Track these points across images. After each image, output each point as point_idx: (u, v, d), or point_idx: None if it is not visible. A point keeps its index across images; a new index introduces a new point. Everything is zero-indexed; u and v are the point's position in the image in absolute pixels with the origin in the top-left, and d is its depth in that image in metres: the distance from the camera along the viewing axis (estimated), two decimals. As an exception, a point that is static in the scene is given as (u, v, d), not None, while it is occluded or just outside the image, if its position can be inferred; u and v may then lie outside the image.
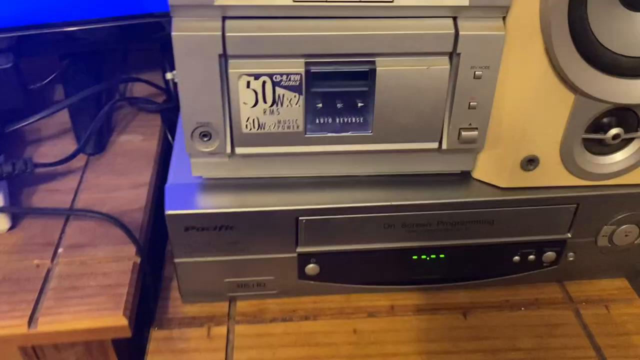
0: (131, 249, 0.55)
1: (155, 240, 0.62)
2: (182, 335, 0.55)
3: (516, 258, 0.57)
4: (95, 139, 0.67)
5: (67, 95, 0.70)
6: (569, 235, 0.56)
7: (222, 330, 0.56)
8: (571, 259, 0.58)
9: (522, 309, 0.59)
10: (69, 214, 0.59)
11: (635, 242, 0.58)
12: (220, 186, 0.52)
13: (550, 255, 0.57)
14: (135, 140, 0.70)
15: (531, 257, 0.57)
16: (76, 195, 0.62)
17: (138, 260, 0.54)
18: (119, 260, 0.54)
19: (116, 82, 0.73)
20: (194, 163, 0.51)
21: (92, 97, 0.69)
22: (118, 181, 0.64)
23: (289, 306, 0.58)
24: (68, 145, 0.68)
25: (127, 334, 0.50)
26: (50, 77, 0.70)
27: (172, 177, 0.54)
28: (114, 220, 0.55)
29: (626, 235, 0.57)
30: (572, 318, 0.58)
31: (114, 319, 0.49)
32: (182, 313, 0.57)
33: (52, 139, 0.69)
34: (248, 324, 0.57)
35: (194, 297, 0.57)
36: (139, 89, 0.78)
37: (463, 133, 0.49)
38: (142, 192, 0.61)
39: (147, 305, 0.58)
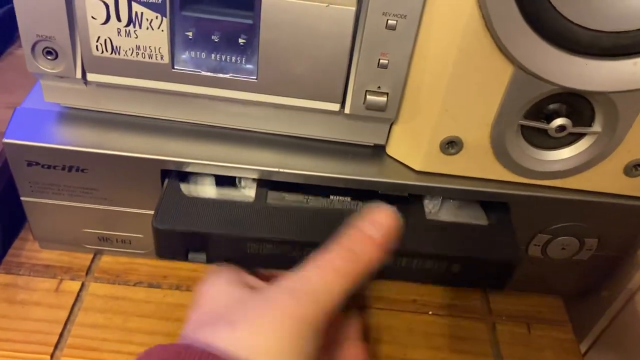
0: (-23, 178, 0.47)
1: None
2: (26, 284, 0.48)
3: (429, 255, 0.48)
4: (-14, 45, 0.59)
5: (-37, -9, 0.61)
6: (494, 238, 0.48)
7: (75, 285, 0.48)
8: (495, 265, 0.49)
9: (430, 312, 0.50)
10: None
11: (573, 257, 0.49)
12: (80, 118, 0.43)
13: (470, 257, 0.49)
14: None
15: (447, 256, 0.48)
16: (-57, 106, 0.53)
17: (-18, 191, 0.47)
18: (-41, 188, 0.47)
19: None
20: (45, 86, 0.42)
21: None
22: (-4, 97, 0.55)
23: (161, 270, 0.50)
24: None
25: (-60, 276, 0.42)
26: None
27: (30, 100, 0.45)
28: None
29: (563, 249, 0.48)
30: (484, 333, 0.50)
31: None
32: (37, 259, 0.50)
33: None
34: (107, 283, 0.49)
35: (51, 243, 0.50)
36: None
37: (369, 97, 0.39)
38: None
39: (8, 243, 0.51)
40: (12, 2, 0.60)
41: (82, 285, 0.48)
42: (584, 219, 0.46)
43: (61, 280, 0.48)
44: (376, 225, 0.34)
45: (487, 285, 0.49)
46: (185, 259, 0.42)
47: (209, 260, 0.42)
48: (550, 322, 0.51)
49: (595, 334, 0.55)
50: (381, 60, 0.38)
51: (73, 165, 0.42)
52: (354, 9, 0.36)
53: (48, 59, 0.39)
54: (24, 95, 0.55)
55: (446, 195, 0.44)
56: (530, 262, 0.49)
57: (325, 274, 0.33)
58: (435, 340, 0.48)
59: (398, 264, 0.42)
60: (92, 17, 0.36)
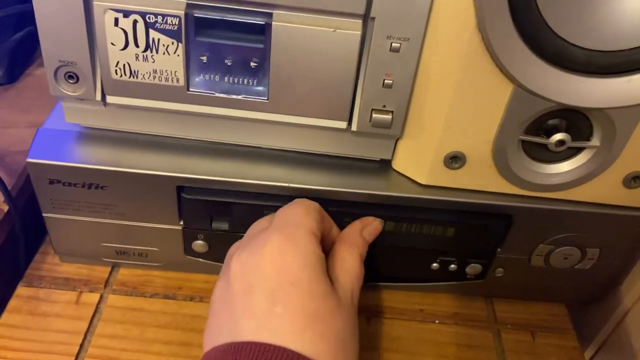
0: (1, 196, 0.49)
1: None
2: (48, 296, 0.50)
3: (435, 265, 0.50)
4: (6, 67, 0.61)
5: (-17, 15, 0.63)
6: (498, 249, 0.49)
7: (94, 297, 0.50)
8: (500, 275, 0.51)
9: (437, 321, 0.52)
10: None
11: (576, 267, 0.50)
12: (99, 138, 0.45)
13: (475, 267, 0.50)
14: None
15: (452, 266, 0.50)
16: (-34, 126, 0.56)
17: (5, 208, 0.49)
18: (-15, 206, 0.49)
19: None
20: (66, 108, 0.44)
21: (11, 21, 0.62)
22: (17, 117, 0.57)
23: (176, 282, 0.52)
24: (-22, 70, 0.61)
25: (-32, 290, 0.44)
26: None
27: (51, 121, 0.47)
28: (-22, 161, 0.49)
29: (565, 258, 0.49)
30: (490, 341, 0.51)
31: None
32: (58, 272, 0.52)
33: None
34: (125, 295, 0.51)
35: (71, 257, 0.52)
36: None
37: (375, 115, 0.41)
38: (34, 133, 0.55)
39: (30, 257, 0.53)
40: (31, 25, 0.62)
41: (101, 297, 0.50)
42: (585, 230, 0.47)
43: (81, 292, 0.50)
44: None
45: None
46: (209, 227, 0.47)
47: (231, 228, 0.47)
48: (554, 330, 0.53)
49: (600, 341, 0.56)
50: (386, 81, 0.40)
51: (93, 183, 0.44)
52: (359, 33, 0.38)
53: (69, 82, 0.41)
54: (43, 115, 0.57)
55: (450, 207, 0.46)
56: (533, 271, 0.50)
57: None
58: (442, 349, 0.50)
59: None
60: (112, 44, 0.39)
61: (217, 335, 0.37)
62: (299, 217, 0.40)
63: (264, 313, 0.35)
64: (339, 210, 0.45)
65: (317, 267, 0.38)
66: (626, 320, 0.53)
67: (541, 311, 0.54)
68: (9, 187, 0.49)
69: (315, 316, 0.36)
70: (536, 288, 0.53)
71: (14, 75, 0.62)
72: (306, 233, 0.39)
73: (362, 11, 0.37)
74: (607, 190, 0.45)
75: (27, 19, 0.63)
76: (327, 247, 0.43)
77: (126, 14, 0.37)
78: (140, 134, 0.46)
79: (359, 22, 0.38)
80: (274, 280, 0.36)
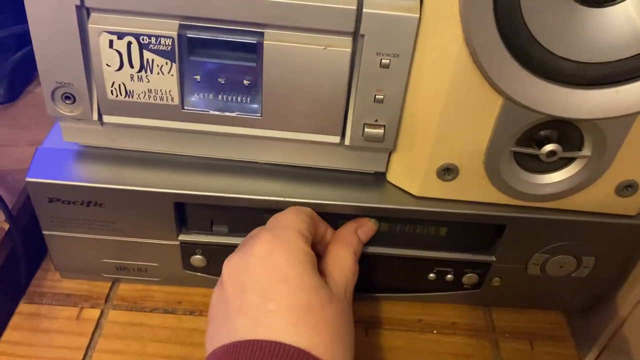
0: (1, 214, 0.50)
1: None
2: (49, 313, 0.50)
3: (431, 275, 0.50)
4: (6, 85, 0.62)
5: (-16, 35, 0.64)
6: (494, 258, 0.49)
7: (94, 313, 0.51)
8: (496, 284, 0.51)
9: (435, 332, 0.52)
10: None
11: (572, 275, 0.50)
12: (97, 156, 0.46)
13: (471, 277, 0.50)
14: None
15: (449, 276, 0.50)
16: (-33, 145, 0.57)
17: (6, 227, 0.49)
18: (-14, 224, 0.49)
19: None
20: (64, 127, 0.45)
21: (11, 41, 0.63)
22: (17, 135, 0.58)
23: (176, 296, 0.53)
24: (-21, 89, 0.62)
25: (-31, 308, 0.45)
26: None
27: (50, 140, 0.48)
28: (-21, 180, 0.49)
29: (561, 267, 0.50)
30: (488, 350, 0.51)
31: (-48, 291, 0.44)
32: (58, 289, 0.52)
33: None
34: (125, 310, 0.51)
35: (72, 273, 0.52)
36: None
37: (367, 129, 0.42)
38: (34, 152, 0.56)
39: (31, 273, 0.54)
40: (31, 44, 0.63)
41: (102, 312, 0.51)
42: (580, 238, 0.48)
43: (82, 308, 0.51)
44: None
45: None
46: (210, 230, 0.48)
47: (231, 232, 0.48)
48: (552, 338, 0.53)
49: (599, 348, 0.56)
50: (377, 96, 0.40)
51: (91, 201, 0.45)
52: (349, 50, 0.38)
53: (66, 103, 0.42)
54: (43, 132, 0.58)
55: (445, 218, 0.46)
56: (530, 280, 0.51)
57: None
58: (441, 359, 0.50)
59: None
60: (107, 65, 0.39)
61: (216, 337, 0.37)
62: (288, 220, 0.41)
63: (257, 311, 0.36)
64: (336, 222, 0.46)
65: (307, 263, 0.38)
66: (624, 327, 0.53)
67: (539, 319, 0.54)
68: (10, 206, 0.50)
69: (307, 309, 0.36)
70: (533, 296, 0.53)
71: (14, 93, 0.63)
72: (294, 232, 0.40)
73: (351, 29, 0.38)
74: (600, 199, 0.45)
75: (27, 39, 0.63)
76: (322, 250, 0.43)
77: (120, 35, 0.38)
78: (137, 151, 0.46)
79: (349, 39, 0.38)
80: (265, 278, 0.37)
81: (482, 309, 0.54)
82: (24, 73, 0.65)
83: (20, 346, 0.48)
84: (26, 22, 0.62)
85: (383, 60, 0.39)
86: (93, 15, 0.38)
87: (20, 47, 0.63)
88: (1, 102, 0.62)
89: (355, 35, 0.38)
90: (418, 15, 0.37)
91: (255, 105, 0.41)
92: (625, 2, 0.36)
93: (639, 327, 0.51)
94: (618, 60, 0.38)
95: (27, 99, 0.63)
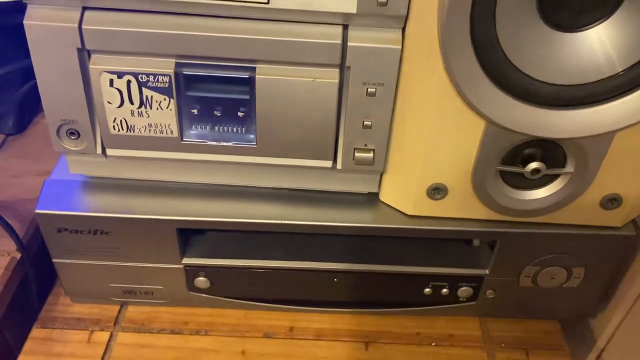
0: (14, 243, 0.52)
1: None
2: (61, 337, 0.53)
3: (427, 290, 0.52)
4: (14, 118, 0.64)
5: (-8, 69, 0.67)
6: (487, 272, 0.51)
7: (104, 336, 0.53)
8: (491, 296, 0.53)
9: (433, 344, 0.54)
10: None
11: (563, 285, 0.52)
12: (102, 187, 0.48)
13: (466, 290, 0.52)
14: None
15: (444, 290, 0.52)
16: (-21, 177, 0.59)
17: (18, 255, 0.51)
18: (-2, 254, 0.52)
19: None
20: (70, 160, 0.47)
21: (17, 74, 0.65)
22: (26, 166, 0.61)
23: (182, 317, 0.54)
24: (-11, 122, 0.65)
25: (-15, 335, 0.47)
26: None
27: (57, 171, 0.50)
28: (-9, 212, 0.52)
29: (552, 278, 0.51)
30: (485, 361, 0.53)
31: (-31, 320, 0.46)
32: (69, 313, 0.54)
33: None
34: (133, 332, 0.53)
35: (82, 297, 0.54)
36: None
37: (357, 154, 0.44)
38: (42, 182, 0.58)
39: (43, 299, 0.56)
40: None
41: (111, 335, 0.53)
42: (569, 250, 0.49)
43: (92, 331, 0.53)
44: None
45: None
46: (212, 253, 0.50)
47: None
48: (547, 346, 0.54)
49: (596, 354, 0.58)
50: (365, 122, 0.42)
51: (98, 229, 0.47)
52: (336, 81, 0.40)
53: (71, 138, 0.44)
54: (50, 163, 0.61)
55: (438, 235, 0.48)
56: (523, 291, 0.52)
57: None
58: (439, 370, 0.52)
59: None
60: (109, 102, 0.42)
61: None
62: None
63: None
64: (333, 243, 0.48)
65: None
66: (619, 333, 0.55)
67: (534, 329, 0.56)
68: (21, 235, 0.52)
69: None
70: (527, 307, 0.54)
71: (22, 125, 0.65)
72: None
73: (337, 62, 0.40)
74: (585, 212, 0.47)
75: (32, 72, 0.66)
76: None
77: (120, 75, 0.40)
78: (140, 180, 0.48)
79: (336, 71, 0.40)
80: None
81: (478, 320, 0.56)
82: (31, 105, 0.67)
83: (34, 370, 0.50)
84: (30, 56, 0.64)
85: (369, 89, 0.41)
86: (94, 56, 0.40)
87: (27, 81, 0.66)
88: (10, 134, 0.64)
89: (342, 67, 0.40)
90: (400, 47, 0.39)
91: (250, 135, 0.44)
92: (595, 27, 0.38)
93: (633, 332, 0.52)
94: (593, 82, 0.40)
95: (34, 130, 0.66)
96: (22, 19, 0.62)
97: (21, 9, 0.61)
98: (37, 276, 0.53)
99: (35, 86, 0.66)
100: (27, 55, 0.66)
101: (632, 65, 0.39)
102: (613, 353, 0.55)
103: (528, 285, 0.52)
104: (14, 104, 0.63)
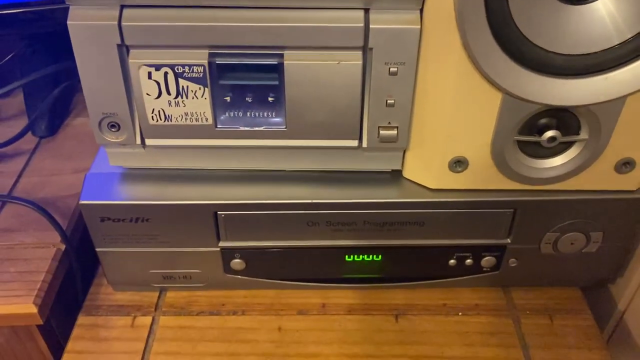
0: (58, 236, 0.55)
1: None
2: (106, 323, 0.55)
3: (452, 262, 0.54)
4: (47, 121, 0.67)
5: (22, 76, 0.70)
6: (509, 240, 0.53)
7: (147, 320, 0.56)
8: (513, 265, 0.55)
9: (460, 314, 0.56)
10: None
11: (583, 250, 0.54)
12: (141, 177, 0.51)
13: (489, 260, 0.54)
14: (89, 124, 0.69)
15: (468, 261, 0.54)
16: (19, 178, 0.62)
17: (63, 247, 0.54)
18: (44, 246, 0.54)
19: (74, 64, 0.73)
20: (110, 153, 0.50)
21: (48, 79, 0.68)
22: (62, 165, 0.63)
23: (219, 299, 0.57)
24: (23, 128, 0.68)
25: (38, 321, 0.50)
26: (7, 58, 0.70)
27: (96, 165, 0.53)
28: (36, 207, 0.54)
29: (572, 244, 0.54)
30: (511, 327, 0.55)
31: (23, 307, 0.49)
32: (112, 301, 0.57)
33: (9, 121, 0.70)
34: (174, 316, 0.56)
35: (123, 285, 0.57)
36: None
37: (382, 132, 0.46)
38: (81, 178, 0.61)
39: (86, 289, 0.59)
40: (66, 81, 0.69)
41: (153, 319, 0.56)
42: (586, 215, 0.52)
43: (135, 317, 0.56)
44: None
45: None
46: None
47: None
48: (570, 311, 0.56)
49: (617, 318, 0.60)
50: (388, 101, 0.45)
51: (138, 217, 0.50)
52: (360, 62, 0.43)
53: (112, 131, 0.47)
54: (84, 160, 0.64)
55: (460, 207, 0.51)
56: (544, 258, 0.55)
57: None
58: (467, 338, 0.54)
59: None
60: (147, 94, 0.44)
61: None
62: None
63: None
64: (361, 221, 0.50)
65: None
66: (637, 296, 0.57)
67: (557, 296, 0.58)
68: (64, 228, 0.55)
69: None
70: (549, 274, 0.57)
71: (54, 127, 0.68)
72: None
73: (360, 44, 0.42)
74: (601, 177, 0.49)
75: (62, 76, 0.69)
76: None
77: (157, 67, 0.43)
78: (176, 169, 0.51)
79: (359, 53, 0.43)
80: None
81: (502, 290, 0.58)
82: (62, 108, 0.70)
83: (84, 354, 0.53)
84: (60, 61, 0.67)
85: (391, 69, 0.43)
86: (132, 51, 0.43)
87: (57, 85, 0.69)
88: (43, 136, 0.67)
89: (365, 49, 0.43)
90: (419, 27, 0.42)
91: (280, 119, 0.46)
92: (602, -2, 0.40)
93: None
94: (603, 50, 0.42)
95: (66, 131, 0.69)
96: (50, 27, 0.66)
97: (50, 17, 0.64)
98: (82, 269, 0.56)
99: (65, 90, 0.70)
100: (55, 61, 0.69)
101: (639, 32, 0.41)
102: (634, 315, 0.57)
103: (549, 252, 0.54)
104: (46, 108, 0.66)
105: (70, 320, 0.56)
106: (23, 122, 0.68)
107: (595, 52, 0.42)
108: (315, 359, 0.52)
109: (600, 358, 0.53)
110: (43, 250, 0.54)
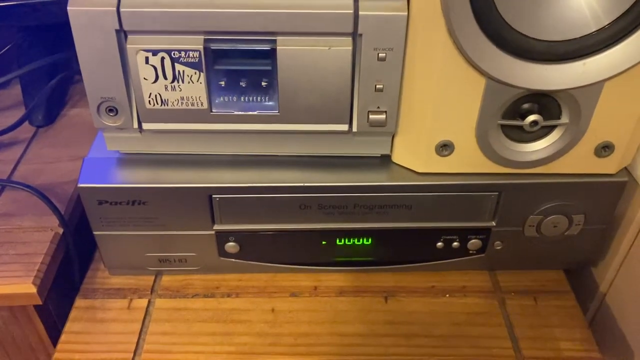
0: (56, 220, 0.56)
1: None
2: (103, 305, 0.57)
3: (439, 244, 0.56)
4: (44, 111, 0.69)
5: (20, 67, 0.71)
6: (493, 223, 0.55)
7: (143, 302, 0.57)
8: (498, 247, 0.57)
9: (447, 295, 0.58)
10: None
11: (565, 233, 0.56)
12: (137, 161, 0.53)
13: (475, 243, 0.56)
14: (85, 114, 0.71)
15: (455, 244, 0.56)
16: (17, 165, 0.63)
17: (61, 231, 0.56)
18: (42, 230, 0.56)
19: (70, 55, 0.74)
20: (107, 137, 0.51)
21: (44, 70, 0.70)
22: (59, 153, 0.65)
23: (213, 283, 0.59)
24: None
25: (37, 301, 0.51)
26: (5, 49, 0.71)
27: (94, 151, 0.54)
28: (35, 191, 0.56)
29: (555, 226, 0.56)
30: (496, 308, 0.57)
31: (22, 286, 0.50)
32: (108, 284, 0.59)
33: (6, 111, 0.71)
34: (169, 298, 0.57)
35: (119, 269, 0.58)
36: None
37: (371, 116, 0.48)
38: (78, 165, 0.62)
39: (82, 273, 0.60)
40: (62, 72, 0.70)
41: (149, 301, 0.57)
42: (568, 198, 0.54)
43: (131, 299, 0.57)
44: None
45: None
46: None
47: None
48: (554, 293, 0.58)
49: (599, 299, 0.62)
50: (377, 86, 0.47)
51: (135, 200, 0.52)
52: (350, 48, 0.45)
53: (110, 115, 0.48)
54: (82, 148, 0.65)
55: (447, 190, 0.52)
56: (528, 241, 0.57)
57: None
58: (454, 318, 0.56)
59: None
60: (144, 78, 0.46)
61: None
62: None
63: None
64: (352, 204, 0.52)
65: None
66: (619, 277, 0.59)
67: (541, 278, 0.60)
68: (62, 213, 0.56)
69: None
70: (533, 256, 0.59)
71: (51, 117, 0.69)
72: None
73: (350, 30, 0.44)
74: (581, 161, 0.51)
75: (58, 67, 0.71)
76: None
77: (155, 52, 0.45)
78: (171, 154, 0.53)
79: (349, 39, 0.45)
80: None
81: (488, 273, 0.60)
82: (59, 99, 0.71)
83: (82, 334, 0.54)
84: (56, 52, 0.69)
85: (380, 54, 0.45)
86: (130, 37, 0.45)
87: (53, 76, 0.70)
88: (41, 126, 0.69)
89: (354, 35, 0.45)
90: (406, 14, 0.44)
91: (273, 103, 0.48)
92: (581, -14, 0.42)
93: (631, 276, 0.56)
94: (581, 37, 0.44)
95: (62, 121, 0.70)
96: (47, 19, 0.67)
97: (44, 9, 0.65)
98: (79, 253, 0.58)
99: (61, 81, 0.71)
100: (52, 52, 0.71)
101: (616, 19, 0.43)
102: (614, 296, 0.59)
103: (533, 235, 0.56)
104: (43, 98, 0.67)
105: (67, 304, 0.57)
106: (20, 112, 0.69)
107: (574, 39, 0.44)
108: (308, 337, 0.54)
109: (583, 337, 0.55)
110: (41, 233, 0.55)
